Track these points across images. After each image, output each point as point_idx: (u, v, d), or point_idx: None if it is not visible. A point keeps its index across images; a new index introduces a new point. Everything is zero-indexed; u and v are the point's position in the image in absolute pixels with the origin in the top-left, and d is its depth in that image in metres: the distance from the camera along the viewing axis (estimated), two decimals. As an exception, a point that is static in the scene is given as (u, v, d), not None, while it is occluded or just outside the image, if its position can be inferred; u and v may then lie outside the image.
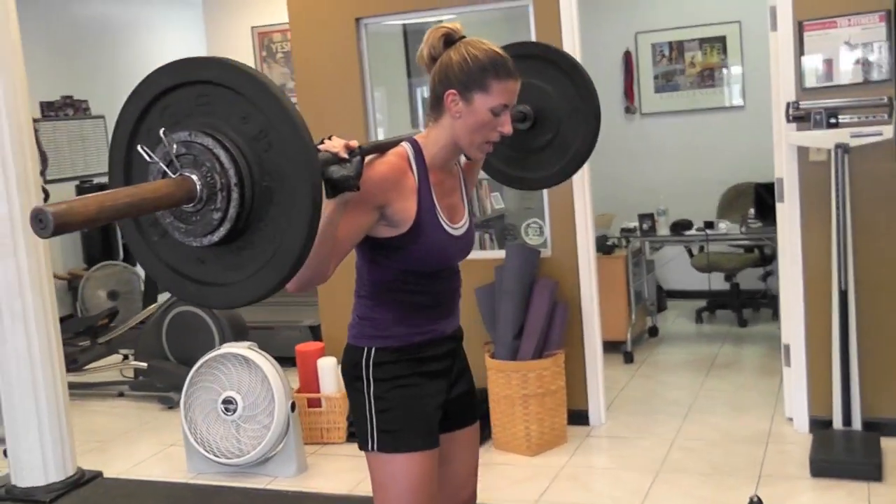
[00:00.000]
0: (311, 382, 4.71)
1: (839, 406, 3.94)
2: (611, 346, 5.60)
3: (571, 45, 4.26)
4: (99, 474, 4.40)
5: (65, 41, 8.20)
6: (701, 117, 6.91)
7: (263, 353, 4.30)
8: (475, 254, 4.68)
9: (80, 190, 8.10)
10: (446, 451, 2.35)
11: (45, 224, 1.38)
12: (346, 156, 1.88)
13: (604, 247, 5.64)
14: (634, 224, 5.94)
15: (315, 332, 5.60)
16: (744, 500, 3.26)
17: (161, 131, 1.62)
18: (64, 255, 8.06)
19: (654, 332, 6.13)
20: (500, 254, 4.49)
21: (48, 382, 4.15)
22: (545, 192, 4.47)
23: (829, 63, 4.00)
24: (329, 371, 4.65)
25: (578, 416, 4.50)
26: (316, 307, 5.21)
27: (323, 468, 4.33)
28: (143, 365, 5.70)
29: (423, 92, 5.94)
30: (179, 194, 1.58)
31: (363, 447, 2.22)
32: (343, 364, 2.28)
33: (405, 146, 2.17)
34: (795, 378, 4.21)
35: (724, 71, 6.85)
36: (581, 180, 4.34)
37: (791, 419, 4.28)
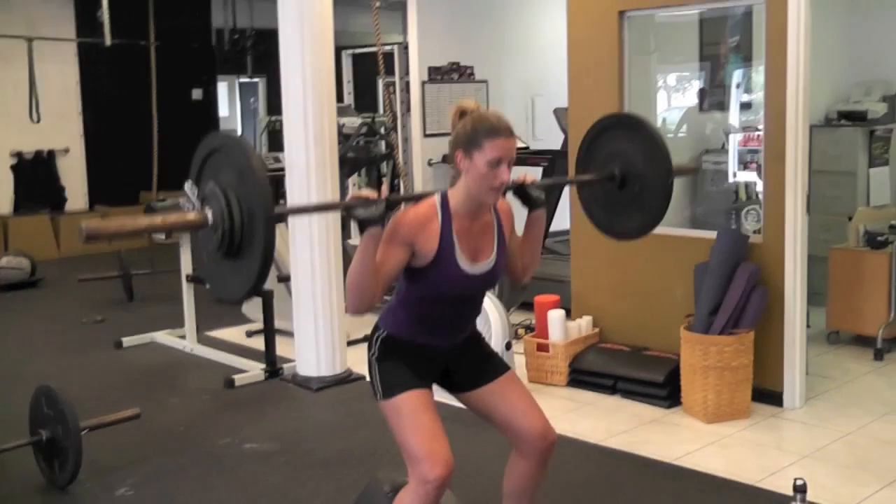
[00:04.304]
0: (543, 329, 5.37)
1: None
2: (863, 341, 5.63)
3: (796, 43, 4.47)
4: (362, 377, 5.46)
5: (459, 14, 9.39)
6: None
7: (492, 297, 5.06)
8: (699, 233, 5.08)
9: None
10: (484, 405, 2.97)
11: (81, 233, 2.29)
12: (373, 197, 2.58)
13: (873, 241, 5.61)
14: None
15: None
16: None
17: (187, 183, 2.59)
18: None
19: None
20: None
21: (324, 294, 5.30)
22: (763, 182, 4.73)
23: None
24: (557, 321, 5.28)
25: (770, 396, 4.72)
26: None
27: (534, 403, 5.02)
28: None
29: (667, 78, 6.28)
30: (193, 221, 2.51)
31: (375, 397, 2.90)
32: (369, 334, 2.99)
33: (436, 197, 2.82)
34: None
35: None
36: (794, 175, 4.54)
37: None
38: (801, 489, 3.18)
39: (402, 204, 2.88)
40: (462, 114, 2.82)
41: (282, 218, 2.52)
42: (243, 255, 2.49)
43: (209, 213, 2.48)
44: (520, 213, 2.93)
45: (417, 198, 2.88)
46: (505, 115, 2.80)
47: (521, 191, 2.92)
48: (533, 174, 2.96)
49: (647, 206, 3.24)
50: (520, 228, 3.01)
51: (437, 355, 2.93)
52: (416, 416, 2.79)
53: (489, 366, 3.03)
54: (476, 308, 3.01)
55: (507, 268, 3.02)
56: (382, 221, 2.60)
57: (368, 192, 2.60)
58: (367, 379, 2.95)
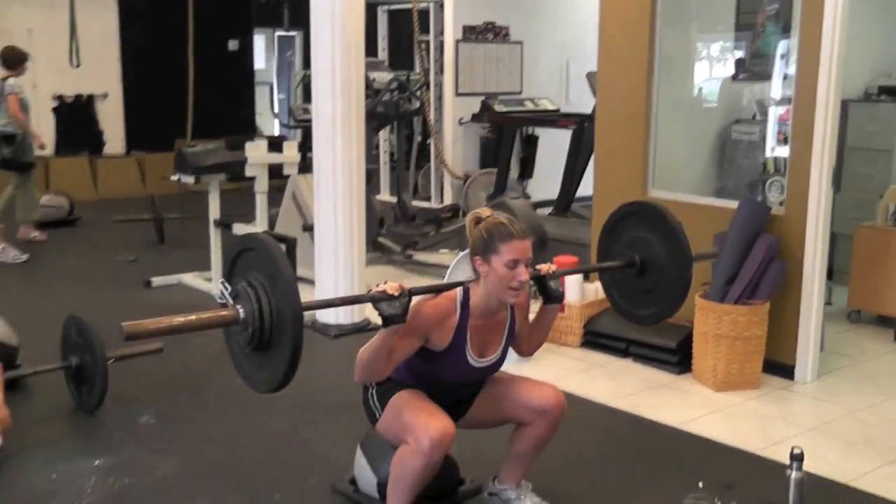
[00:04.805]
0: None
1: None
2: (884, 322, 5.62)
3: (833, 14, 4.44)
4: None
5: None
6: None
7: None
8: (721, 202, 5.10)
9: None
10: (489, 409, 3.16)
11: (121, 332, 2.46)
12: (395, 294, 2.66)
13: (896, 220, 5.60)
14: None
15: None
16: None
17: (221, 280, 2.79)
18: (465, 159, 9.42)
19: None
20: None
21: (345, 246, 5.41)
22: (790, 154, 4.74)
23: None
24: (573, 283, 5.32)
25: (782, 369, 4.75)
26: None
27: (545, 361, 4.98)
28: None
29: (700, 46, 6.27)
30: (227, 318, 2.66)
31: (374, 423, 3.06)
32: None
33: (458, 291, 2.93)
34: None
35: None
36: (821, 150, 4.53)
37: None
38: (797, 458, 3.22)
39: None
40: (477, 221, 2.93)
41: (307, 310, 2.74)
42: (272, 352, 2.65)
43: (241, 311, 2.62)
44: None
45: (440, 289, 2.97)
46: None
47: (540, 284, 3.07)
48: (553, 266, 3.10)
49: (665, 297, 3.42)
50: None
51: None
52: (412, 402, 2.96)
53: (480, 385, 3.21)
54: (477, 388, 3.18)
55: (514, 346, 3.18)
56: (405, 318, 2.70)
57: (393, 287, 2.68)
58: (365, 410, 3.11)
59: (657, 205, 3.56)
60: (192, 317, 2.62)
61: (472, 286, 2.95)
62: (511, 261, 2.83)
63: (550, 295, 3.10)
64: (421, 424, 2.85)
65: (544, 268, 3.06)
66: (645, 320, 3.59)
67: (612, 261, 3.51)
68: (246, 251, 2.77)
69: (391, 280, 2.74)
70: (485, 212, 2.95)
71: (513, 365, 3.51)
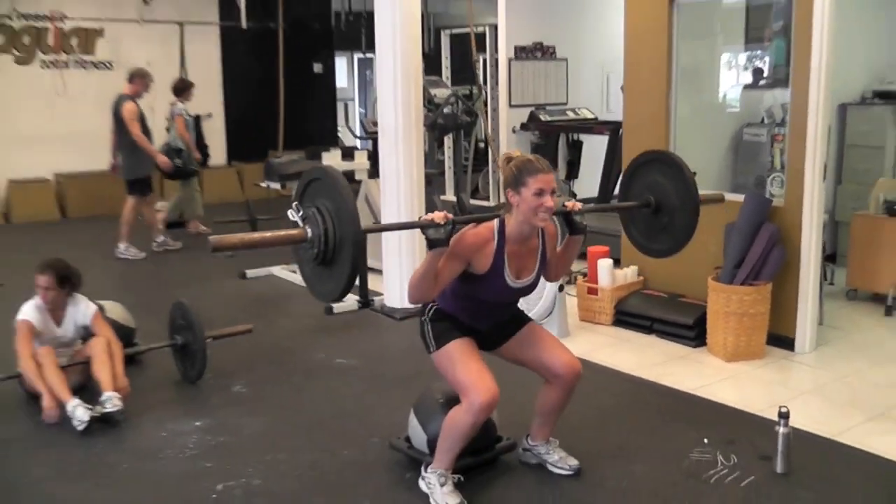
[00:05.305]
0: (594, 275, 5.51)
1: None
2: (878, 299, 5.59)
3: (820, 29, 4.44)
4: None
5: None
6: None
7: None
8: (731, 196, 5.14)
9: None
10: (517, 353, 3.22)
11: (209, 245, 2.59)
12: (441, 223, 2.76)
13: (891, 209, 5.54)
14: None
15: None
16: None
17: (294, 204, 2.86)
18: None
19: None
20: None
21: (408, 240, 5.55)
22: (787, 151, 4.75)
23: None
24: (605, 269, 5.42)
25: (784, 341, 4.78)
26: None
27: (580, 337, 5.14)
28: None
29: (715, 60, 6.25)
30: (296, 237, 2.77)
31: (428, 350, 3.11)
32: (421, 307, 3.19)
33: (495, 222, 3.00)
34: None
35: None
36: (813, 148, 4.55)
37: None
38: (784, 416, 3.33)
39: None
40: (508, 160, 3.01)
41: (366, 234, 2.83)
42: (334, 267, 2.74)
43: (309, 231, 2.72)
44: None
45: (479, 220, 3.05)
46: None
47: (567, 217, 3.10)
48: (579, 204, 3.13)
49: (675, 234, 3.47)
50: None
51: (476, 332, 3.13)
52: (465, 360, 3.02)
53: (514, 322, 3.26)
54: (513, 307, 3.23)
55: (544, 273, 3.22)
56: (447, 243, 2.79)
57: (439, 216, 2.78)
58: (421, 337, 3.14)
59: (673, 154, 3.59)
60: (268, 234, 2.73)
61: (507, 217, 3.01)
62: (538, 189, 2.90)
63: (575, 227, 3.12)
64: (472, 385, 2.94)
65: (570, 204, 3.09)
66: (658, 254, 3.63)
67: (632, 200, 3.57)
68: (315, 181, 2.82)
69: None
70: (515, 152, 3.02)
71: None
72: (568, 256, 3.24)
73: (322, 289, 2.86)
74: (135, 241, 7.83)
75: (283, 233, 2.79)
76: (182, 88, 8.47)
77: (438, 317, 3.10)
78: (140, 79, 7.65)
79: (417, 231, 5.51)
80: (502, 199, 3.11)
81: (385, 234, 5.68)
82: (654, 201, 3.48)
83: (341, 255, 2.69)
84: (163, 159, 7.86)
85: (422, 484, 3.20)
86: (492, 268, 2.98)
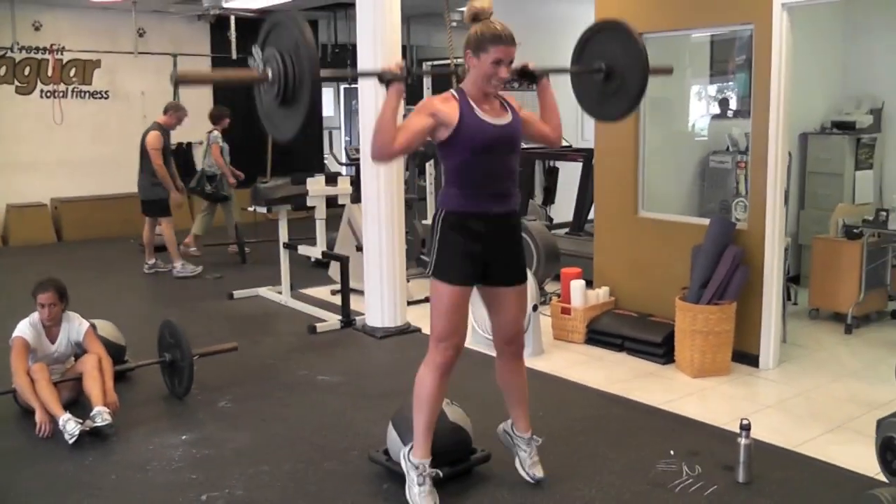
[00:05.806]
0: (567, 296, 5.54)
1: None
2: (838, 317, 5.68)
3: (778, 64, 4.56)
4: (419, 329, 5.77)
5: (521, 29, 9.41)
6: None
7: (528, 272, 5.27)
8: (697, 220, 5.22)
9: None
10: (495, 304, 3.18)
11: (172, 77, 2.62)
12: (397, 71, 2.84)
13: (849, 233, 5.66)
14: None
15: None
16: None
17: (254, 46, 2.82)
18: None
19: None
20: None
21: (388, 262, 5.60)
22: (749, 180, 4.86)
23: None
24: (578, 290, 5.47)
25: (749, 358, 4.85)
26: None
27: (554, 355, 5.18)
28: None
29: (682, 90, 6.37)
30: (257, 77, 2.78)
31: (428, 273, 3.10)
32: (433, 218, 3.17)
33: (452, 90, 3.01)
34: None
35: None
36: (774, 175, 4.65)
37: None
38: (745, 427, 3.39)
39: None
40: (475, 17, 2.97)
41: (323, 81, 2.81)
42: (294, 105, 2.74)
43: (269, 72, 2.74)
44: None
45: (436, 74, 3.10)
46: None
47: (523, 71, 3.09)
48: (532, 62, 3.11)
49: (627, 95, 3.40)
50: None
51: (485, 226, 3.01)
52: (451, 310, 3.02)
53: (514, 273, 3.18)
54: (511, 173, 3.06)
55: (542, 136, 3.17)
56: (405, 81, 2.84)
57: (397, 65, 2.87)
58: (430, 235, 3.10)
59: (622, 21, 3.49)
60: (231, 72, 2.83)
61: (461, 84, 3.01)
62: (497, 59, 2.89)
63: (534, 73, 3.11)
64: (441, 337, 3.00)
65: (522, 63, 3.08)
66: (611, 118, 3.61)
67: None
68: (277, 26, 2.80)
69: None
70: (483, 3, 2.95)
71: (529, 360, 3.61)
72: (550, 107, 3.20)
73: (281, 125, 2.85)
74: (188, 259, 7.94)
75: (245, 72, 2.85)
76: (218, 116, 8.62)
77: (449, 228, 3.02)
78: (174, 112, 7.78)
79: (398, 251, 5.63)
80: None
81: (367, 257, 5.72)
82: (605, 66, 3.44)
83: (300, 93, 2.70)
84: (175, 196, 7.78)
85: (403, 463, 3.22)
86: (462, 115, 2.93)
